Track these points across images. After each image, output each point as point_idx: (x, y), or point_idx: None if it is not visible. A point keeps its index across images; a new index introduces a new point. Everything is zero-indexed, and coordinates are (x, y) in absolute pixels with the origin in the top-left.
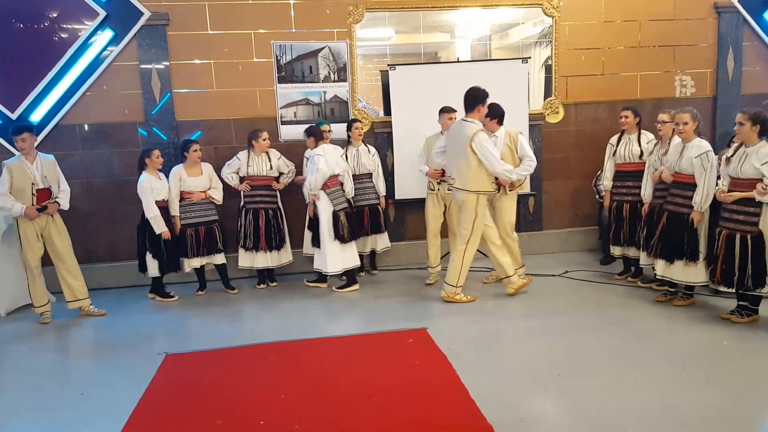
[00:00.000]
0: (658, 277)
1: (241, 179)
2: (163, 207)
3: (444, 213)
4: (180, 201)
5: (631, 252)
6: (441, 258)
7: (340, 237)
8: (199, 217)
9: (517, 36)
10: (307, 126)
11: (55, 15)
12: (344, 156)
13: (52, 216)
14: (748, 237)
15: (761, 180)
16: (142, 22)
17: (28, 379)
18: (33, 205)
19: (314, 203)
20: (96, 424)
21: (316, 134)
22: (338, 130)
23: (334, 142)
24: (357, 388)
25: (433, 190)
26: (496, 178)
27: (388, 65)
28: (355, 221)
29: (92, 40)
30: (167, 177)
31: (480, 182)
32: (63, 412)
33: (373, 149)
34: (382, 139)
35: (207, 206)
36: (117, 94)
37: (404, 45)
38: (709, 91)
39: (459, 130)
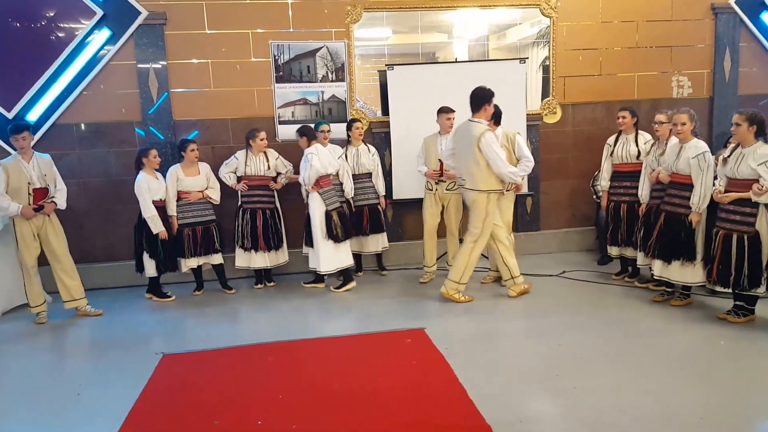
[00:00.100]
0: (655, 277)
1: (239, 179)
2: (161, 207)
3: (441, 213)
4: (177, 201)
5: (629, 252)
6: (437, 258)
7: (334, 237)
8: (197, 217)
9: (515, 36)
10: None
11: (52, 14)
12: (344, 156)
13: (48, 216)
14: (745, 237)
15: (758, 180)
16: (139, 21)
17: (24, 379)
18: (29, 204)
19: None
20: (92, 425)
21: (308, 134)
22: (336, 130)
23: (333, 142)
24: (355, 389)
25: (432, 189)
26: None
27: (386, 65)
28: (349, 221)
29: (89, 39)
30: (164, 176)
31: (490, 181)
32: (59, 412)
33: (373, 149)
34: (379, 139)
35: (204, 206)
36: (114, 94)
37: (402, 45)
38: (705, 92)
39: (466, 131)
